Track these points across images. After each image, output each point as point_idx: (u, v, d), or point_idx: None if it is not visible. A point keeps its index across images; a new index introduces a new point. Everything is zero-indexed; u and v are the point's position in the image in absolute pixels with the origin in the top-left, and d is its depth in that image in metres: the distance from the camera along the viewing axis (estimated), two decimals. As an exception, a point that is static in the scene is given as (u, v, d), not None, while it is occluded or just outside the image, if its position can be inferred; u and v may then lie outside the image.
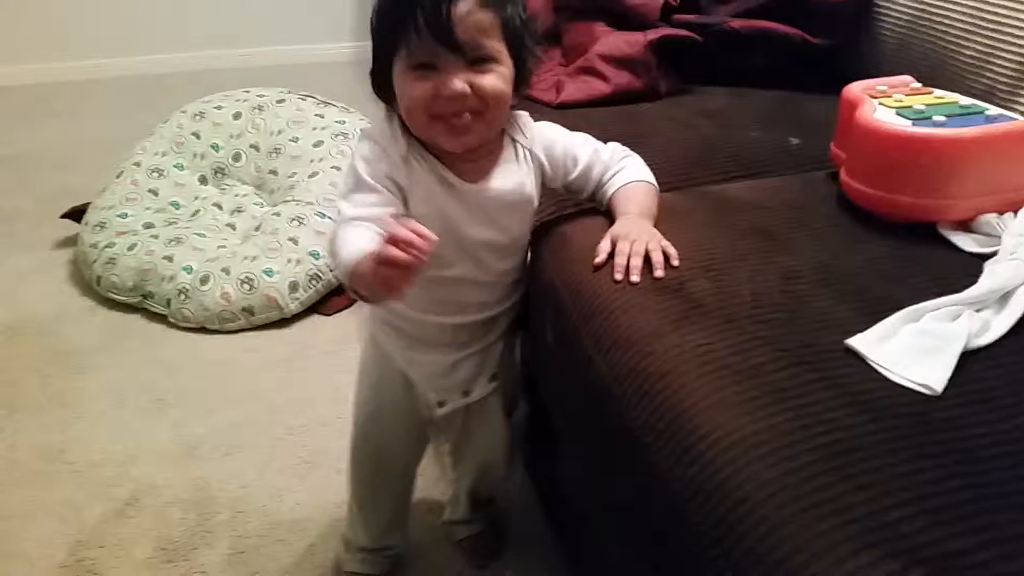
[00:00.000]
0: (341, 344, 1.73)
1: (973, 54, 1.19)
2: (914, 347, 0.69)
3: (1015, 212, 0.86)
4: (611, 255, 0.86)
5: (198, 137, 2.06)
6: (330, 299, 1.84)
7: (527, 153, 0.92)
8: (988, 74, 1.18)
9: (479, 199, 0.88)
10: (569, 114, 1.28)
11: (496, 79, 0.81)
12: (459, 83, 0.79)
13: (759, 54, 1.45)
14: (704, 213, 0.97)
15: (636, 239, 0.86)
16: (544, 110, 1.33)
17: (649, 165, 0.97)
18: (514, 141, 0.91)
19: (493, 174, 0.89)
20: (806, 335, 0.74)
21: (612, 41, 1.41)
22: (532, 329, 1.02)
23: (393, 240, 0.68)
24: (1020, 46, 1.13)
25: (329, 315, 1.83)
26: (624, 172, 0.95)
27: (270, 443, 1.45)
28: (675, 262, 0.85)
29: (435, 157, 0.86)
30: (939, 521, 0.56)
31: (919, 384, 0.67)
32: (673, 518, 0.66)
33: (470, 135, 0.83)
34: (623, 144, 0.98)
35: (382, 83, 0.85)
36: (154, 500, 1.34)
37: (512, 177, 0.90)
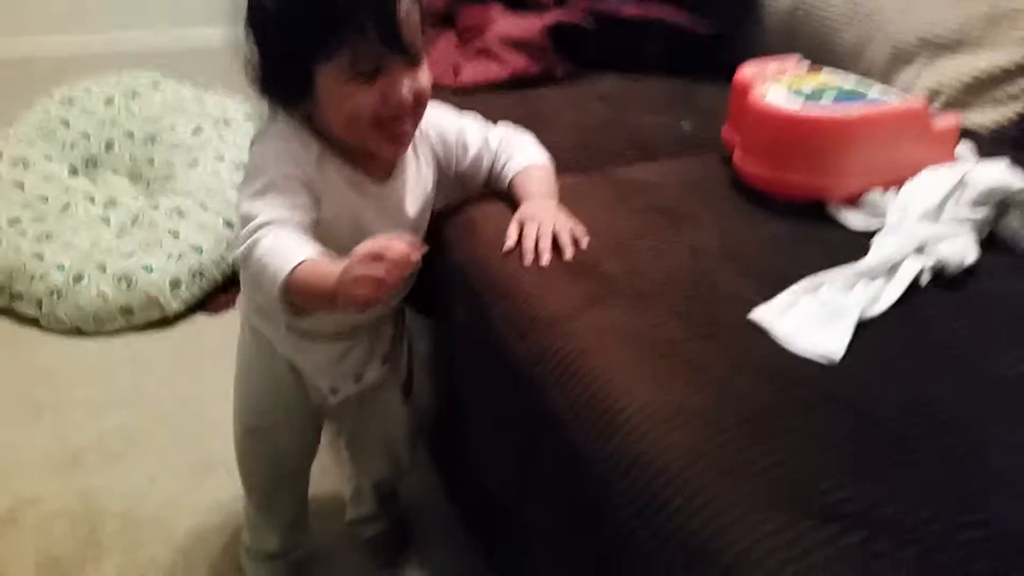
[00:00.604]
0: (228, 344, 1.62)
1: (851, 40, 1.26)
2: (813, 317, 0.73)
3: (897, 189, 0.91)
4: (519, 239, 0.86)
5: (67, 125, 1.92)
6: (216, 296, 1.76)
7: (423, 144, 0.90)
8: (865, 59, 1.25)
9: (389, 201, 0.86)
10: (468, 99, 1.27)
11: (427, 76, 0.79)
12: (405, 92, 0.77)
13: (651, 41, 1.48)
14: (607, 194, 0.98)
15: (543, 221, 0.86)
16: (443, 93, 1.31)
17: (549, 148, 0.97)
18: None
19: (396, 172, 0.86)
20: (715, 310, 0.76)
21: (509, 24, 1.41)
22: (439, 314, 1.00)
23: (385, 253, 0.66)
24: (893, 34, 1.20)
25: (215, 313, 1.75)
26: (518, 156, 0.94)
27: (160, 449, 1.38)
28: (583, 242, 0.85)
29: (342, 159, 0.82)
30: (851, 479, 0.58)
31: (819, 355, 0.70)
32: (597, 494, 0.67)
33: (407, 141, 0.82)
34: (524, 128, 0.97)
35: (290, 86, 0.79)
36: (35, 514, 1.25)
37: (414, 173, 0.88)
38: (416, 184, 0.88)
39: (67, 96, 1.95)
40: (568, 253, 0.84)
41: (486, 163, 0.94)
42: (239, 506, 1.23)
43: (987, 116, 1.19)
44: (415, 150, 0.89)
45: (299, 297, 0.73)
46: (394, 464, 1.14)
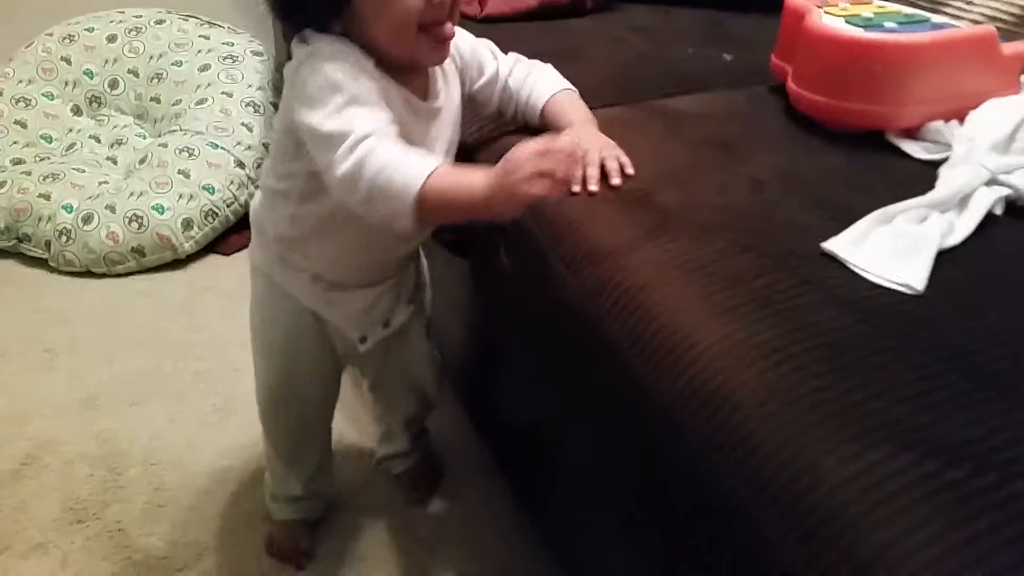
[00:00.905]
0: (243, 284, 1.59)
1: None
2: (890, 248, 0.69)
3: (960, 120, 0.87)
4: None
5: (68, 63, 1.85)
6: (228, 237, 1.72)
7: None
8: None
9: (434, 119, 0.81)
10: (496, 28, 1.22)
11: None
12: None
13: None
14: (655, 126, 0.94)
15: (589, 148, 0.82)
16: (468, 24, 1.25)
17: (586, 81, 0.92)
18: None
19: (433, 88, 0.82)
20: (782, 241, 0.72)
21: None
22: (476, 255, 0.97)
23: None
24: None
25: (228, 255, 1.71)
26: (544, 82, 0.89)
27: (178, 391, 1.35)
28: (629, 170, 0.81)
29: (391, 74, 0.76)
30: (945, 413, 0.55)
31: (901, 284, 0.67)
32: (662, 431, 0.64)
33: (449, 44, 0.77)
34: (558, 61, 0.92)
35: (328, 3, 0.73)
36: (55, 458, 1.22)
37: (448, 88, 0.84)
38: (449, 101, 0.84)
39: (68, 33, 1.87)
40: (615, 179, 0.80)
41: (499, 88, 0.89)
42: (261, 447, 1.22)
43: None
44: (442, 65, 0.84)
45: (435, 209, 0.68)
46: (422, 400, 1.11)
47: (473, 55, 0.88)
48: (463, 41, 0.88)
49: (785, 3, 0.99)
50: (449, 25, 0.75)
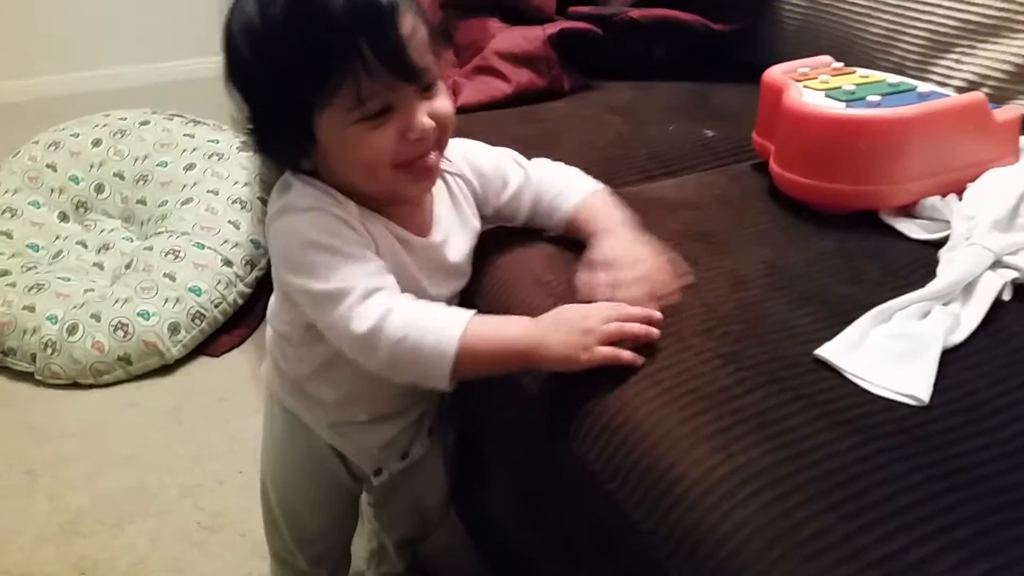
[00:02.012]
0: (233, 388, 1.57)
1: (880, 31, 1.16)
2: (890, 352, 0.63)
3: (959, 194, 0.82)
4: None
5: (54, 169, 1.84)
6: (218, 337, 1.68)
7: (458, 182, 0.79)
8: (897, 50, 1.15)
9: (434, 251, 0.76)
10: (471, 118, 1.18)
11: (446, 100, 0.69)
12: (425, 119, 0.67)
13: (660, 44, 1.40)
14: (636, 217, 0.89)
15: (623, 264, 0.71)
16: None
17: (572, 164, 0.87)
18: (441, 171, 0.76)
19: (437, 221, 0.76)
20: (770, 348, 0.66)
21: (509, 37, 1.32)
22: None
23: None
24: (928, 19, 1.11)
25: (217, 356, 1.67)
26: (575, 184, 0.82)
27: (162, 509, 1.29)
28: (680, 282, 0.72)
29: (377, 212, 0.72)
30: (970, 556, 0.48)
31: (903, 395, 0.60)
32: (645, 567, 0.58)
33: (436, 173, 0.72)
34: (534, 148, 0.88)
35: (289, 141, 0.68)
36: (30, 592, 1.16)
37: (458, 214, 0.78)
38: (457, 230, 0.78)
39: (53, 140, 1.87)
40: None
41: (529, 197, 0.82)
42: (250, 565, 1.16)
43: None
44: (451, 190, 0.79)
45: (473, 369, 0.66)
46: (425, 525, 1.04)
47: (496, 170, 0.81)
48: (482, 156, 0.82)
49: (763, 78, 0.95)
50: (432, 156, 0.70)
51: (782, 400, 0.61)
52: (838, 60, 1.01)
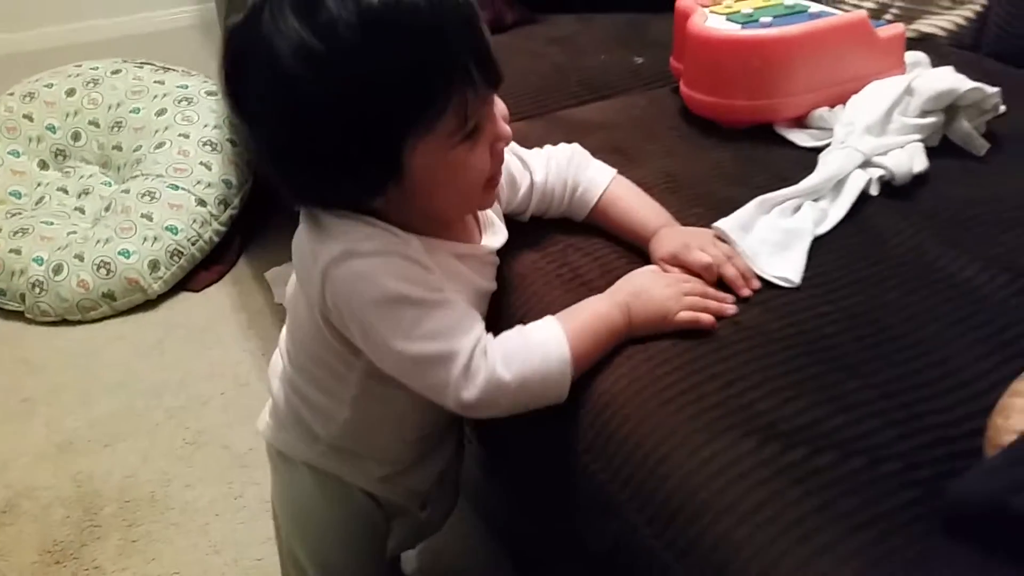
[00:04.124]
0: (213, 320, 1.66)
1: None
2: (768, 243, 0.72)
3: (844, 104, 0.90)
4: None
5: (31, 119, 1.91)
6: (197, 273, 1.77)
7: None
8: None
9: (486, 256, 0.73)
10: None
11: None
12: (507, 125, 0.63)
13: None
14: (558, 137, 0.96)
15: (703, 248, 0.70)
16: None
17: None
18: None
19: (485, 224, 0.73)
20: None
21: (451, -25, 1.38)
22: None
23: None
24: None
25: (197, 291, 1.76)
26: (592, 171, 0.79)
27: (150, 428, 1.40)
28: (753, 281, 0.70)
29: (434, 235, 0.65)
30: (790, 397, 0.59)
31: (778, 278, 0.70)
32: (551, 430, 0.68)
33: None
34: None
35: (369, 175, 0.58)
36: (33, 503, 1.27)
37: (496, 214, 0.75)
38: (498, 219, 0.75)
39: (28, 91, 1.93)
40: (745, 291, 0.69)
41: (536, 196, 0.78)
42: (232, 474, 1.27)
43: (941, 22, 1.17)
44: None
45: (583, 367, 0.63)
46: (430, 532, 0.95)
47: (505, 176, 0.73)
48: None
49: (676, 5, 1.03)
50: (500, 168, 0.66)
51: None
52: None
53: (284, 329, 0.76)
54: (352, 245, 0.59)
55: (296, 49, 0.54)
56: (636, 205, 0.76)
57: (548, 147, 0.81)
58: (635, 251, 0.75)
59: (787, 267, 0.71)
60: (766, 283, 0.70)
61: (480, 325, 0.62)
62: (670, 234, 0.72)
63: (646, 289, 0.65)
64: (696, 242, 0.70)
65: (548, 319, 0.63)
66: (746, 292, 0.68)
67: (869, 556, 0.49)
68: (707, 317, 0.64)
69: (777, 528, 0.51)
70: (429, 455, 0.79)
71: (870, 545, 0.49)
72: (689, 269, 0.68)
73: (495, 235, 0.72)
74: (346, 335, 0.63)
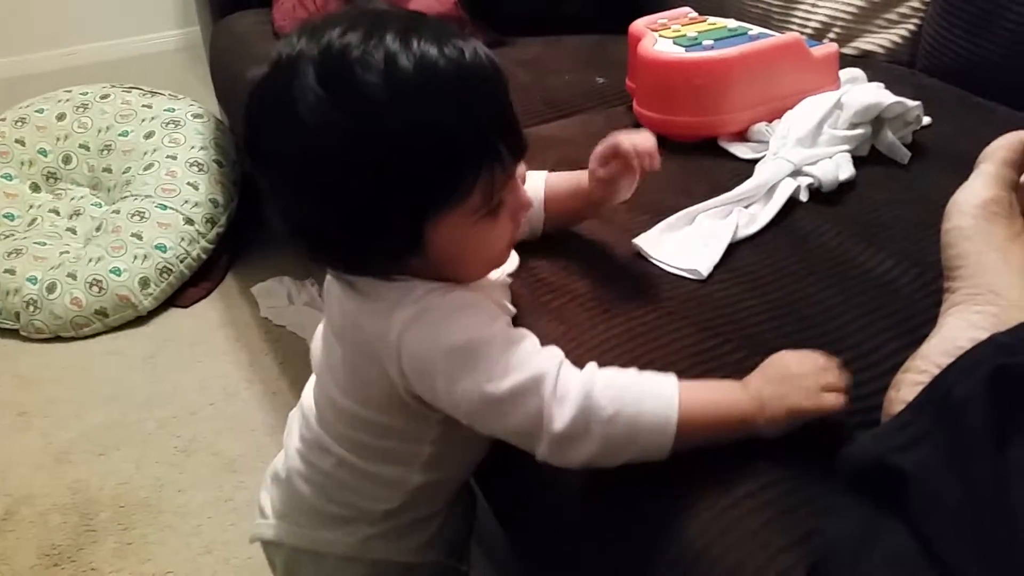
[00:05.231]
0: (202, 334, 1.73)
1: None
2: (686, 243, 0.80)
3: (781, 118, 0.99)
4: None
5: (22, 144, 1.98)
6: (185, 291, 1.83)
7: None
8: (762, 3, 1.31)
9: (507, 283, 0.74)
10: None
11: None
12: (526, 192, 0.63)
13: (570, 2, 1.54)
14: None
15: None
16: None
17: None
18: None
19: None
20: (607, 246, 0.83)
21: (422, 0, 1.47)
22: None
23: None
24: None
25: (186, 307, 1.82)
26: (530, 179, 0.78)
27: (143, 438, 1.46)
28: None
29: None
30: (707, 370, 0.67)
31: (685, 270, 0.77)
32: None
33: None
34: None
35: (394, 246, 0.58)
36: (31, 510, 1.33)
37: None
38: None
39: (19, 117, 2.00)
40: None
41: None
42: (222, 478, 1.33)
43: (880, 39, 1.26)
44: None
45: (690, 433, 0.56)
46: None
47: None
48: None
49: (629, 29, 1.11)
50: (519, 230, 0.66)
51: (614, 285, 0.78)
52: (719, 9, 1.17)
53: (299, 433, 0.74)
54: (419, 306, 0.58)
55: (318, 119, 0.53)
56: (565, 175, 0.79)
57: None
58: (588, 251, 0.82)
59: (699, 261, 0.78)
60: (694, 282, 0.77)
61: (557, 352, 0.59)
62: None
63: (778, 375, 0.59)
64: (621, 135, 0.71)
65: (674, 383, 0.57)
66: (652, 165, 0.70)
67: (783, 505, 0.56)
68: (843, 399, 0.58)
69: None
70: (455, 504, 0.78)
71: (785, 496, 0.56)
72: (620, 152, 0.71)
73: (511, 258, 0.71)
74: (426, 398, 0.60)
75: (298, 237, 0.60)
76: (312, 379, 0.74)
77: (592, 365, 0.58)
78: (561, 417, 0.55)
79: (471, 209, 0.57)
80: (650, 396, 0.56)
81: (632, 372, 0.58)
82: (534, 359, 0.57)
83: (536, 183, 0.78)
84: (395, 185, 0.54)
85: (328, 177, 0.54)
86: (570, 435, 0.55)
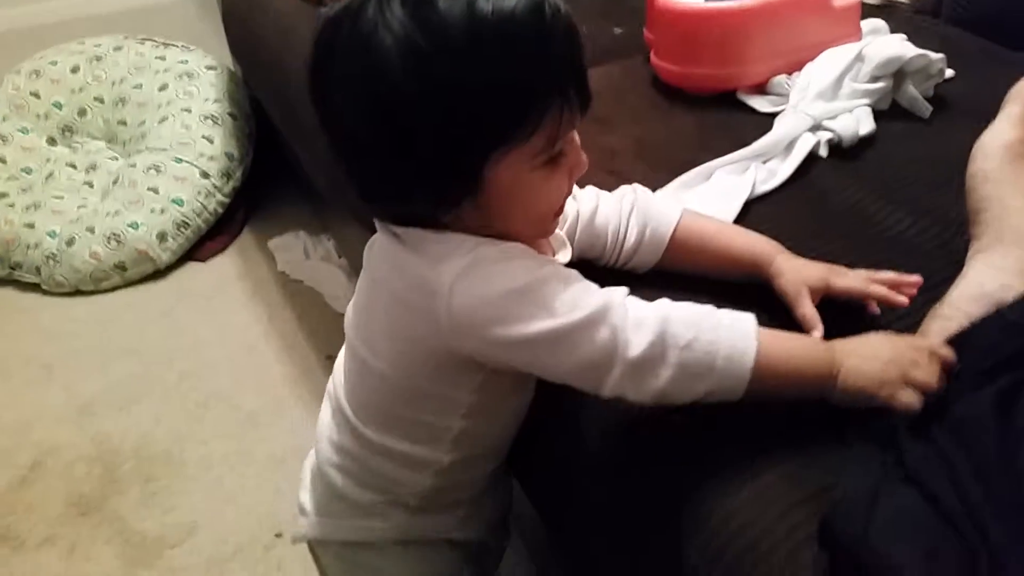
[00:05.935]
0: (220, 288, 1.75)
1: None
2: (705, 199, 0.80)
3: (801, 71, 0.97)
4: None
5: (38, 97, 1.97)
6: (203, 244, 1.84)
7: None
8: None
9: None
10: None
11: None
12: (584, 155, 0.61)
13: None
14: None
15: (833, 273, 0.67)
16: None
17: None
18: None
19: (557, 241, 0.70)
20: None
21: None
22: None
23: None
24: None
25: (204, 261, 1.84)
26: (659, 205, 0.72)
27: (164, 391, 1.48)
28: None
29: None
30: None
31: None
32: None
33: None
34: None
35: (449, 186, 0.56)
36: (57, 461, 1.36)
37: (562, 236, 0.71)
38: (565, 242, 0.72)
39: (33, 69, 1.99)
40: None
41: (579, 230, 0.73)
42: (240, 432, 1.36)
43: (905, -11, 1.23)
44: None
45: (767, 374, 0.55)
46: None
47: None
48: None
49: (647, -21, 1.09)
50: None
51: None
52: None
53: (328, 417, 0.73)
54: (472, 256, 0.56)
55: (400, 42, 0.52)
56: (732, 232, 0.71)
57: (591, 189, 0.75)
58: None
59: (720, 214, 0.77)
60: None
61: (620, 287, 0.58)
62: (797, 264, 0.68)
63: (870, 351, 0.57)
64: (836, 269, 0.67)
65: (752, 318, 0.56)
66: (903, 300, 0.64)
67: (798, 461, 0.57)
68: (919, 400, 0.54)
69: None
70: (495, 474, 0.77)
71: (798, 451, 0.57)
72: (836, 294, 0.66)
73: (566, 251, 0.69)
74: (478, 358, 0.59)
75: (350, 171, 0.58)
76: (340, 357, 0.73)
77: (665, 299, 0.57)
78: (638, 342, 0.53)
79: (533, 151, 0.55)
80: (728, 328, 0.55)
81: (709, 306, 0.56)
82: (597, 292, 0.56)
83: (669, 214, 0.71)
84: (465, 113, 0.53)
85: (399, 98, 0.53)
86: (646, 360, 0.54)
